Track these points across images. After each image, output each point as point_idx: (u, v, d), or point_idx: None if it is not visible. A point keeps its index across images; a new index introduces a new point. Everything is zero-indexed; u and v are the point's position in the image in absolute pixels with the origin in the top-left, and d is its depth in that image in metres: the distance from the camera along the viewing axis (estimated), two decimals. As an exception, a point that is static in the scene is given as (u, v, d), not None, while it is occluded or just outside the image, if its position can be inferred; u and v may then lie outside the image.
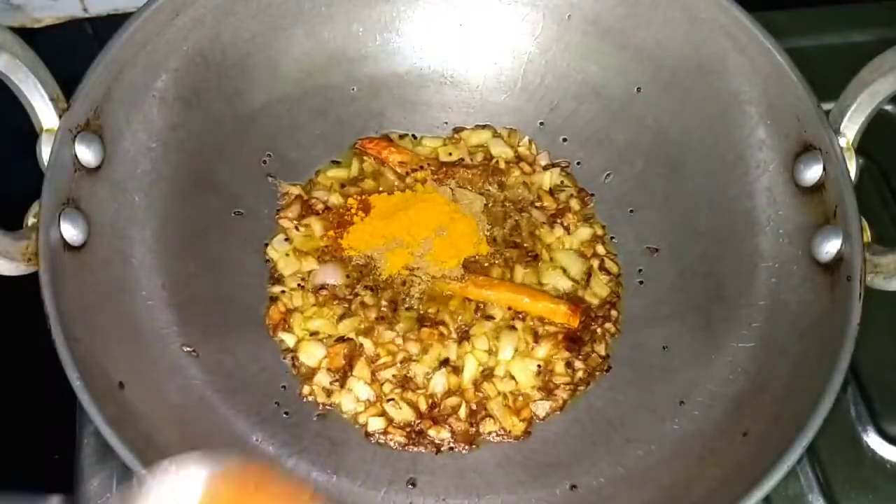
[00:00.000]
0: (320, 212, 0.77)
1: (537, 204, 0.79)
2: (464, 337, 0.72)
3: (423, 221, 0.76)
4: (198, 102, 0.74)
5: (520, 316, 0.73)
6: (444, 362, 0.71)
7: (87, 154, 0.64)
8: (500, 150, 0.81)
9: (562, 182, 0.80)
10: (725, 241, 0.73)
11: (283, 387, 0.70)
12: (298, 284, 0.74)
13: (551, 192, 0.80)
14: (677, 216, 0.77)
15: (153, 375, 0.64)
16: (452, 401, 0.70)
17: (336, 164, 0.81)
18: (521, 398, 0.70)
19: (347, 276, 0.74)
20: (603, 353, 0.73)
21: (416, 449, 0.68)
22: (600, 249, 0.77)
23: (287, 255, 0.75)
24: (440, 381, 0.70)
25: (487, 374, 0.71)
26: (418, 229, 0.76)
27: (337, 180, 0.80)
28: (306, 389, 0.70)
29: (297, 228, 0.76)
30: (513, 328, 0.73)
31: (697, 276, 0.74)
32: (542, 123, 0.82)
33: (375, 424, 0.68)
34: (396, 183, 0.80)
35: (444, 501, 0.66)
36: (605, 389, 0.71)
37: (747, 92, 0.71)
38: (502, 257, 0.76)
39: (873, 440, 0.73)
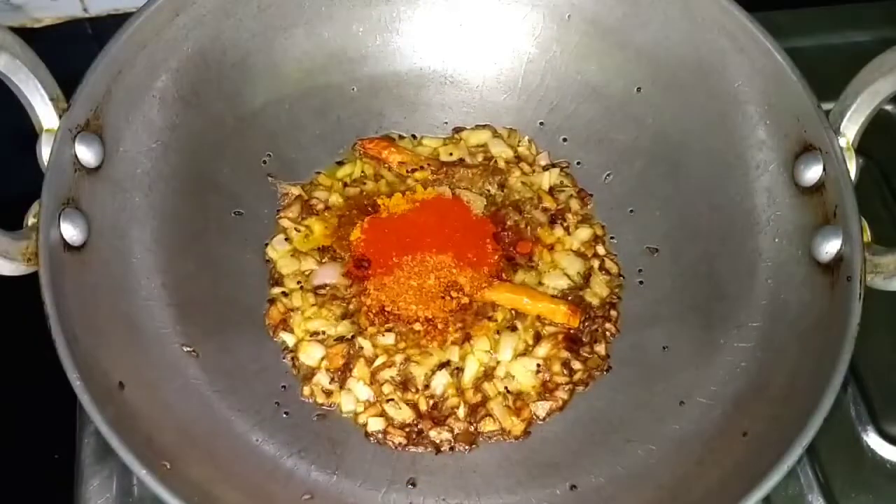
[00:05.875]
0: (320, 212, 0.77)
1: (537, 204, 0.79)
2: (465, 338, 0.72)
3: (423, 222, 0.76)
4: (198, 102, 0.74)
5: (520, 316, 0.73)
6: (445, 364, 0.71)
7: (87, 154, 0.64)
8: (500, 150, 0.81)
9: (562, 182, 0.80)
10: (725, 241, 0.73)
11: (284, 387, 0.70)
12: (298, 283, 0.74)
13: (551, 192, 0.80)
14: (677, 216, 0.77)
15: (153, 375, 0.64)
16: (452, 401, 0.69)
17: (336, 164, 0.81)
18: (521, 398, 0.70)
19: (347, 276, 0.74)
20: (603, 353, 0.72)
21: (416, 449, 0.68)
22: (600, 249, 0.77)
23: (287, 255, 0.75)
24: (441, 382, 0.70)
25: (488, 375, 0.71)
26: (418, 229, 0.76)
27: (337, 180, 0.79)
28: (306, 390, 0.70)
29: (296, 228, 0.76)
30: (513, 328, 0.72)
31: (697, 276, 0.74)
32: (542, 123, 0.82)
33: (375, 425, 0.68)
34: (397, 183, 0.80)
35: (444, 501, 0.66)
36: (605, 389, 0.71)
37: (747, 92, 0.71)
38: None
39: (873, 440, 0.73)
